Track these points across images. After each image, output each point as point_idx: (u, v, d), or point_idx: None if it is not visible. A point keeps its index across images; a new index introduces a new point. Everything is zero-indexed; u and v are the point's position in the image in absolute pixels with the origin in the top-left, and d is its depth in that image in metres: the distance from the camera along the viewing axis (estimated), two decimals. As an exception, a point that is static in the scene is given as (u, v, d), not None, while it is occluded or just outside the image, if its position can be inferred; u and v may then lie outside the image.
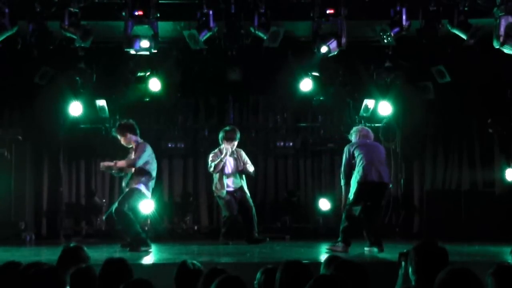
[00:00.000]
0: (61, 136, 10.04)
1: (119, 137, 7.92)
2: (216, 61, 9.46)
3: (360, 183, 7.39)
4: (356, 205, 7.42)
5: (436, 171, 10.34)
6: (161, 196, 9.95)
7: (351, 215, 7.44)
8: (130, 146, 7.92)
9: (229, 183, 8.61)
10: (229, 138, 8.55)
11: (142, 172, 7.70)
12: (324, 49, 8.06)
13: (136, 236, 7.52)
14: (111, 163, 7.76)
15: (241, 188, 8.64)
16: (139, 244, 7.47)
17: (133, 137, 7.87)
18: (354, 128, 8.01)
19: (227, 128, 8.70)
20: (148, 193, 7.79)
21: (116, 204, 7.64)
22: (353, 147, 7.59)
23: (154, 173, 7.86)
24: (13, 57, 8.57)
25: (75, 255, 4.10)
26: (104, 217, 8.31)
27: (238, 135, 8.64)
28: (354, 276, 3.27)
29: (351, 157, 7.55)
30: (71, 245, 4.39)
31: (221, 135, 8.62)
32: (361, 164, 7.43)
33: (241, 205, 8.62)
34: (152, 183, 7.85)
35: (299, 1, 8.40)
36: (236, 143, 8.62)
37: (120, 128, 7.93)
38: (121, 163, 7.76)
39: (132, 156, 7.78)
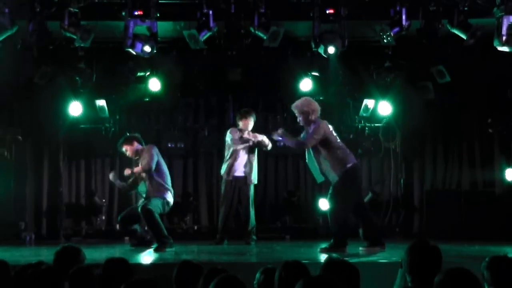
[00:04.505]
0: (61, 136, 10.02)
1: (124, 148, 8.04)
2: (216, 61, 9.46)
3: None
4: None
5: (436, 171, 10.32)
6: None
7: None
8: (137, 157, 8.02)
9: None
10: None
11: (158, 182, 7.87)
12: (331, 49, 8.05)
13: (162, 237, 7.67)
14: (128, 171, 7.92)
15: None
16: (165, 245, 7.63)
17: (139, 146, 8.04)
18: None
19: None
20: (171, 197, 8.01)
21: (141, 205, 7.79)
22: None
23: (167, 172, 8.06)
24: (13, 57, 8.57)
25: (71, 256, 4.08)
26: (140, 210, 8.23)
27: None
28: (343, 275, 3.25)
29: None
30: (66, 245, 4.35)
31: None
32: None
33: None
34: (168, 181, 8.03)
35: (299, 1, 8.41)
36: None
37: (126, 139, 8.08)
38: (138, 169, 7.90)
39: (142, 162, 7.86)
